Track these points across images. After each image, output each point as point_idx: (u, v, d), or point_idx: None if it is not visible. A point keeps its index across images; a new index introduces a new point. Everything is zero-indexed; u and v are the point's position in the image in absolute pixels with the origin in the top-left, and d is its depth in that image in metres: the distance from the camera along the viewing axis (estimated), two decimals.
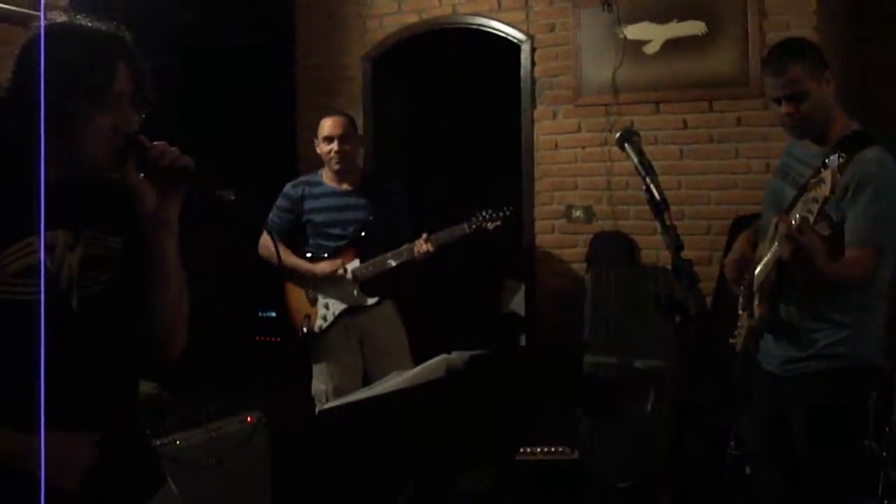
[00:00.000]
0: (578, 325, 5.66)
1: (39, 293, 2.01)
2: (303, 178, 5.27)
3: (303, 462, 4.49)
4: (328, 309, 5.07)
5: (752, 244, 3.61)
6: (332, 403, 2.42)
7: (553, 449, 4.54)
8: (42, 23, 2.11)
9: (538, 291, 6.22)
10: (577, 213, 5.97)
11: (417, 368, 2.45)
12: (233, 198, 2.14)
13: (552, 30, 6.08)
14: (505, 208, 5.03)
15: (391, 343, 5.12)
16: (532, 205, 6.15)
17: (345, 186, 5.12)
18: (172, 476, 2.45)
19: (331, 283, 5.05)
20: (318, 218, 5.09)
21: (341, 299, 5.07)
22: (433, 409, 2.29)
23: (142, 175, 2.13)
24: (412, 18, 6.51)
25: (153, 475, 2.38)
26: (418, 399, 2.29)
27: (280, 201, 5.19)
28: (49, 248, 2.05)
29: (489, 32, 6.25)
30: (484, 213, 5.00)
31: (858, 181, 3.18)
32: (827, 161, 3.03)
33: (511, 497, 4.40)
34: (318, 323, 5.08)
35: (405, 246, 4.96)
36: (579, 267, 5.97)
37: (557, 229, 6.10)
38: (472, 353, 2.37)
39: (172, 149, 2.13)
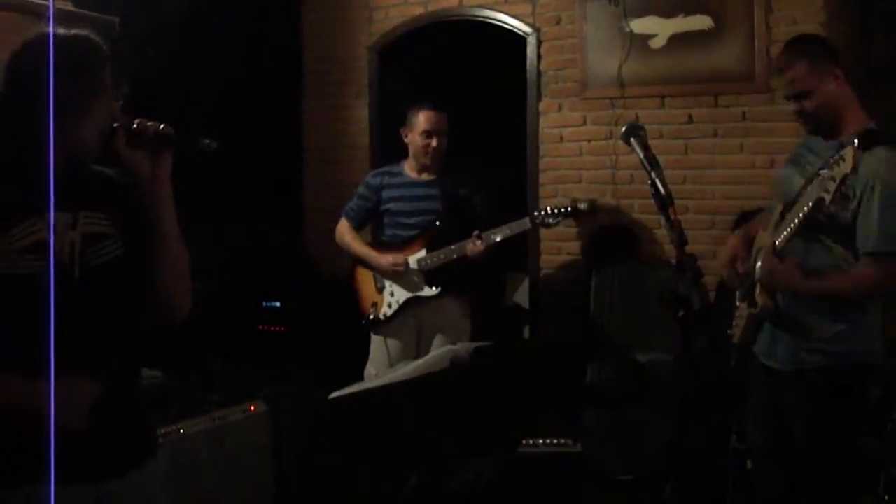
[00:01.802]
0: (582, 319, 5.67)
1: (44, 266, 2.27)
2: (384, 168, 5.43)
3: (305, 451, 4.51)
4: (393, 297, 5.19)
5: (745, 241, 3.61)
6: (338, 393, 2.43)
7: (555, 441, 4.55)
8: (51, 11, 2.35)
9: (542, 284, 6.23)
10: (582, 206, 5.97)
11: (422, 359, 2.47)
12: (215, 146, 2.49)
13: (558, 23, 6.07)
14: (565, 207, 5.22)
15: (447, 336, 5.14)
16: (536, 197, 6.15)
17: (424, 176, 5.24)
18: (175, 463, 2.52)
19: (396, 272, 5.15)
20: (394, 207, 5.22)
21: (406, 288, 5.18)
22: (437, 400, 2.30)
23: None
24: (418, 10, 6.50)
25: (147, 445, 2.60)
26: (423, 390, 2.30)
27: (360, 189, 5.36)
28: (51, 228, 2.32)
29: (495, 25, 6.25)
30: (546, 210, 5.18)
31: (871, 182, 3.16)
32: (845, 140, 3.03)
33: (513, 489, 4.41)
34: (384, 310, 5.21)
35: (465, 240, 5.05)
36: (583, 260, 5.97)
37: (561, 222, 6.09)
38: (477, 344, 2.39)
39: (152, 122, 2.45)
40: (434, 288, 5.15)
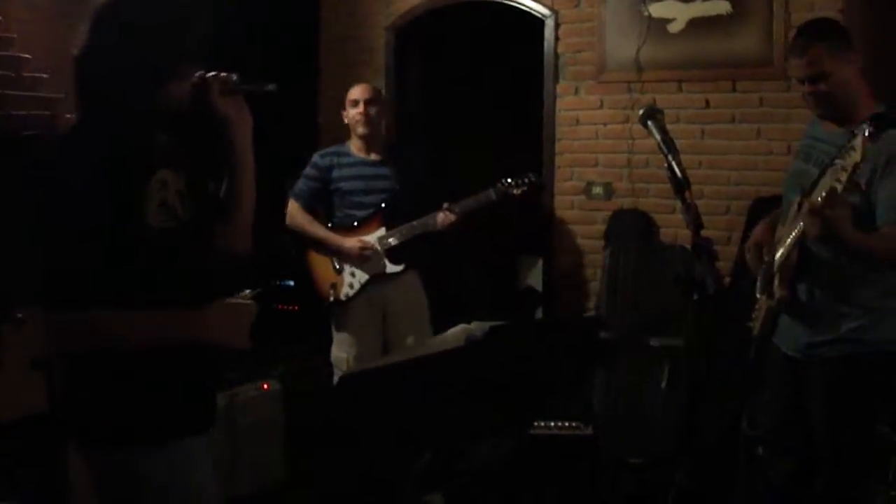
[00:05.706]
0: (595, 302, 5.68)
1: (172, 222, 2.41)
2: (331, 149, 5.29)
3: (317, 429, 4.53)
4: (354, 277, 5.10)
5: (771, 229, 3.60)
6: (352, 369, 2.44)
7: (567, 424, 4.56)
8: None
9: (556, 267, 6.24)
10: (597, 190, 5.97)
11: (437, 337, 2.47)
12: (272, 88, 2.75)
13: (577, 5, 6.06)
14: (530, 175, 5.09)
15: (413, 313, 5.14)
16: (552, 181, 6.15)
17: (372, 157, 5.15)
18: None
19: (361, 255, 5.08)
20: (346, 187, 5.11)
21: (367, 268, 5.09)
22: (451, 379, 2.31)
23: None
24: None
25: (213, 411, 2.73)
26: (437, 368, 2.31)
27: (308, 170, 5.22)
28: (164, 185, 2.42)
29: (513, 6, 6.24)
30: (508, 180, 5.05)
31: (887, 159, 3.16)
32: (856, 130, 3.01)
33: (524, 470, 4.42)
34: (345, 291, 5.10)
35: (430, 215, 4.99)
36: (597, 244, 5.98)
37: (577, 205, 6.10)
38: (492, 323, 2.39)
39: (222, 73, 2.63)
40: (398, 265, 5.09)
